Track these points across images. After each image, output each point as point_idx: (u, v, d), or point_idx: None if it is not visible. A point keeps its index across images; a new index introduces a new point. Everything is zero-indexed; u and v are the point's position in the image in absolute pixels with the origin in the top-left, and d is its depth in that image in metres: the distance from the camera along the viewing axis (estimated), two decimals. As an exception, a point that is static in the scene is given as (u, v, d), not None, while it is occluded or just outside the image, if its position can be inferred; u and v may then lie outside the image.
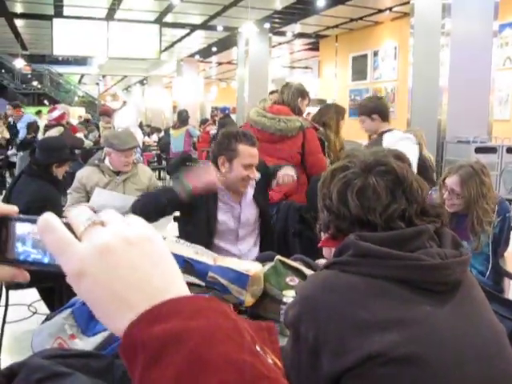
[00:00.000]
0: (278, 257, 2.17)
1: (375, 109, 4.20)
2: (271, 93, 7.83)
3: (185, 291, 0.54)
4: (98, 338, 1.51)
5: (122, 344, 0.50)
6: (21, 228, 0.59)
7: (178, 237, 3.19)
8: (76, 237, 0.54)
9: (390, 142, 3.84)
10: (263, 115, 4.05)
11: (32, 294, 3.82)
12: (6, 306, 3.47)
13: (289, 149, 3.95)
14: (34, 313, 4.22)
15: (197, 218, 2.94)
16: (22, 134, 10.04)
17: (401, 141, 3.90)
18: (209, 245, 2.87)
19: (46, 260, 0.58)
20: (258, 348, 0.51)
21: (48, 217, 0.55)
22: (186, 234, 2.93)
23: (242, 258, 2.96)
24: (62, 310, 1.70)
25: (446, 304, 1.14)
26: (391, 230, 1.22)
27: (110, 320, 0.53)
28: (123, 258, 0.52)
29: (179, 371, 0.46)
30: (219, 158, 2.91)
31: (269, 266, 2.12)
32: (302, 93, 4.35)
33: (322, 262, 2.59)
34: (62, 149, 3.98)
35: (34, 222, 0.58)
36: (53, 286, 3.52)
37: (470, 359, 1.10)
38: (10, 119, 11.64)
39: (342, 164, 1.34)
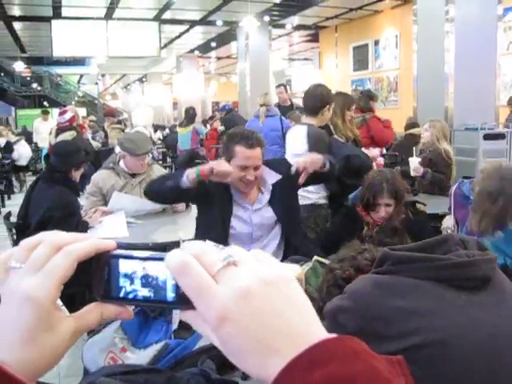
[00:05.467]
0: (316, 257, 2.15)
1: None
2: (277, 86, 7.84)
3: (324, 332, 0.52)
4: (151, 352, 1.49)
5: None
6: (126, 265, 0.58)
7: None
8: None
9: None
10: None
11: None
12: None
13: None
14: (58, 319, 4.21)
15: (212, 216, 2.97)
16: None
17: None
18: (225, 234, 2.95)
19: (156, 297, 0.56)
20: None
21: (185, 258, 0.52)
22: (201, 232, 3.02)
23: None
24: (110, 323, 1.69)
25: (477, 298, 1.21)
26: None
27: (253, 366, 0.51)
28: (264, 301, 0.50)
29: None
30: (221, 159, 2.98)
31: (307, 267, 2.11)
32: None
33: None
34: (79, 152, 3.96)
35: (142, 259, 0.57)
36: (75, 291, 3.50)
37: (500, 348, 1.16)
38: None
39: None
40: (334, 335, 0.50)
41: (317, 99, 4.13)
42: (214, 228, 2.95)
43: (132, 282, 0.57)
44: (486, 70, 8.62)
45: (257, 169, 2.93)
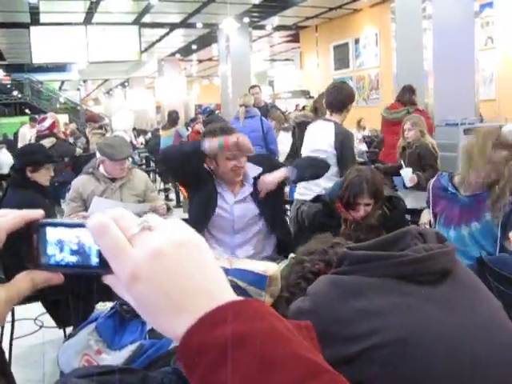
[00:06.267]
0: (292, 254, 2.16)
1: None
2: (252, 87, 7.85)
3: (232, 295, 0.55)
4: (126, 353, 1.49)
5: (180, 347, 0.51)
6: (53, 232, 0.60)
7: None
8: None
9: None
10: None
11: (37, 307, 3.78)
12: (13, 321, 3.44)
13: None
14: (41, 326, 4.19)
15: (198, 201, 3.06)
16: None
17: None
18: (203, 227, 3.00)
19: (82, 263, 0.59)
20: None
21: (103, 220, 0.55)
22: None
23: (237, 249, 3.04)
24: (85, 326, 1.68)
25: (437, 291, 1.21)
26: None
27: (164, 324, 0.54)
28: (175, 262, 0.53)
29: (247, 372, 0.48)
30: (206, 159, 2.98)
31: (283, 264, 2.11)
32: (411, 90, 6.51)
33: None
34: (35, 153, 3.94)
35: (68, 226, 0.59)
36: (58, 298, 3.48)
37: (461, 337, 1.16)
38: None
39: None
40: (240, 298, 0.54)
41: (343, 96, 4.13)
42: (198, 213, 3.04)
43: (59, 249, 0.59)
44: (464, 65, 8.68)
45: (242, 155, 3.00)
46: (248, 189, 3.10)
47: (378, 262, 1.23)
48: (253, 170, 3.11)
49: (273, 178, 3.03)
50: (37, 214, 0.61)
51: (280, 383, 0.48)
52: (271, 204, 3.13)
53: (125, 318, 1.66)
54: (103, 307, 1.72)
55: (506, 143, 2.87)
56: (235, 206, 3.06)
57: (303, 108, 11.19)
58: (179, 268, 0.53)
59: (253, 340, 0.49)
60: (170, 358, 1.33)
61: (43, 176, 3.89)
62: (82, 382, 1.07)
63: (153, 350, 1.47)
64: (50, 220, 0.61)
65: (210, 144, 2.83)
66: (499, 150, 2.84)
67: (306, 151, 4.21)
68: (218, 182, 3.07)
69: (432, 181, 3.28)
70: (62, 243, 0.59)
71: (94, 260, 0.57)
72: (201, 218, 3.03)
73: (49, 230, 0.60)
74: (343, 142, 3.95)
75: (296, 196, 4.15)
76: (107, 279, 0.56)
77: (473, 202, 2.98)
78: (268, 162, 3.21)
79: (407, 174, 4.72)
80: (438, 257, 1.23)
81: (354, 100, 4.22)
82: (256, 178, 3.09)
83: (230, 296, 0.54)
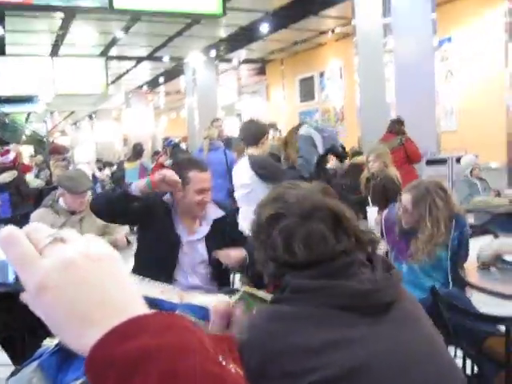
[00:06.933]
0: (244, 288, 2.14)
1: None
2: (215, 120, 7.89)
3: (145, 309, 0.55)
4: (69, 391, 1.45)
5: (88, 360, 0.50)
6: None
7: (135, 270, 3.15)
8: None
9: None
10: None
11: (-9, 344, 3.67)
12: (-36, 359, 3.33)
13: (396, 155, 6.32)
14: (-5, 364, 4.06)
15: (155, 234, 2.96)
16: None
17: None
18: (173, 264, 2.93)
19: (1, 280, 0.57)
20: (220, 358, 0.54)
21: (12, 230, 0.54)
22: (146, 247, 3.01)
23: (191, 290, 2.94)
24: (27, 364, 1.63)
25: (380, 322, 1.20)
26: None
27: (71, 337, 0.53)
28: (86, 274, 0.53)
29: None
30: (175, 190, 2.94)
31: (236, 298, 2.09)
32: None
33: None
34: None
35: None
36: (14, 335, 3.39)
37: (402, 366, 1.16)
38: None
39: (275, 211, 1.37)
40: (152, 311, 0.53)
41: (254, 131, 4.52)
42: (161, 250, 2.93)
43: None
44: (425, 98, 8.89)
45: (210, 190, 3.01)
46: (205, 229, 3.04)
47: (320, 293, 1.21)
48: (215, 211, 3.08)
49: (234, 254, 2.91)
50: None
51: None
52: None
53: (70, 354, 1.62)
54: (50, 343, 1.67)
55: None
56: (186, 245, 2.99)
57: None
58: (91, 281, 0.53)
59: (160, 354, 0.49)
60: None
61: None
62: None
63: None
64: None
65: (137, 185, 2.79)
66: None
67: (236, 188, 4.61)
68: (176, 217, 3.01)
69: (384, 213, 3.33)
70: None
71: (11, 277, 0.57)
72: (168, 254, 2.94)
73: None
74: (259, 166, 4.28)
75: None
76: (23, 296, 0.55)
77: (408, 239, 3.03)
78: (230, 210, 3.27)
79: (373, 214, 4.68)
80: (384, 289, 1.22)
81: (265, 133, 4.59)
82: (215, 221, 3.05)
83: (142, 310, 0.54)
